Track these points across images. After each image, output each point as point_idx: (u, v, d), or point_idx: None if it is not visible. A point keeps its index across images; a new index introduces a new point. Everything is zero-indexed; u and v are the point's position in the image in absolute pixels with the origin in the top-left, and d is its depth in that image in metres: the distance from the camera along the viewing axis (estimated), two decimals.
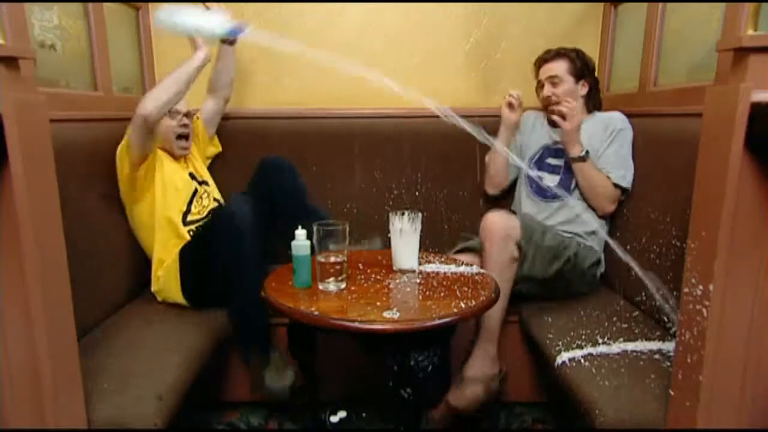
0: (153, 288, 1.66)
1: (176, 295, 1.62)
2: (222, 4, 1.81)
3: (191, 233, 1.68)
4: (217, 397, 1.79)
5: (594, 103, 1.84)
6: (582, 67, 1.78)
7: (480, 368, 1.59)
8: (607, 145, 1.72)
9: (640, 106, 1.78)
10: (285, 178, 1.79)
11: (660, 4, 1.70)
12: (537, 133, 1.90)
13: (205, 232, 1.66)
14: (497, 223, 1.57)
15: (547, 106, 1.82)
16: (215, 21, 1.40)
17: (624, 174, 1.69)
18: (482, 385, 1.58)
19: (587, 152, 1.70)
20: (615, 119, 1.74)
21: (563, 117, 1.69)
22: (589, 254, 1.71)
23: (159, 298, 1.66)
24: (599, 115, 1.81)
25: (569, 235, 1.74)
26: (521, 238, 1.56)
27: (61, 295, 0.97)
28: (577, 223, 1.76)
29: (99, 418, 1.08)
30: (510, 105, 1.83)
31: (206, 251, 1.59)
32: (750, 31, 0.90)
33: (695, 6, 1.58)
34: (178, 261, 1.62)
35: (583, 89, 1.80)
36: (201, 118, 1.93)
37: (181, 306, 1.64)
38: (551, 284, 1.63)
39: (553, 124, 1.83)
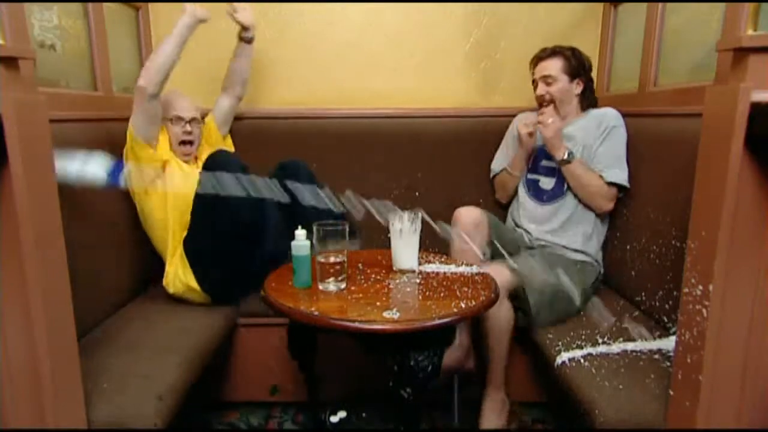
0: (164, 282, 1.66)
1: (187, 285, 1.63)
2: (245, 4, 1.84)
3: None
4: (217, 397, 1.79)
5: (589, 101, 1.83)
6: (577, 66, 1.77)
7: (494, 420, 1.62)
8: (600, 142, 1.72)
9: (639, 106, 1.78)
10: (301, 180, 1.78)
11: (660, 4, 1.70)
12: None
13: (200, 202, 1.63)
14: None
15: (541, 105, 1.82)
16: (95, 166, 1.29)
17: (618, 171, 1.68)
18: None
19: (571, 154, 1.70)
20: (608, 116, 1.74)
21: (544, 125, 1.70)
22: (589, 272, 1.71)
23: (170, 291, 1.66)
24: (593, 112, 1.80)
25: (568, 253, 1.73)
26: (523, 287, 1.56)
27: (61, 295, 0.97)
28: (574, 225, 1.76)
29: (99, 418, 1.08)
30: (530, 133, 1.80)
31: (210, 206, 1.58)
32: (750, 31, 0.90)
33: (695, 6, 1.58)
34: (183, 250, 1.63)
35: (577, 88, 1.79)
36: (214, 117, 1.94)
37: (189, 302, 1.65)
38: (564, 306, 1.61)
39: None
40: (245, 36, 1.88)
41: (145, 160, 1.61)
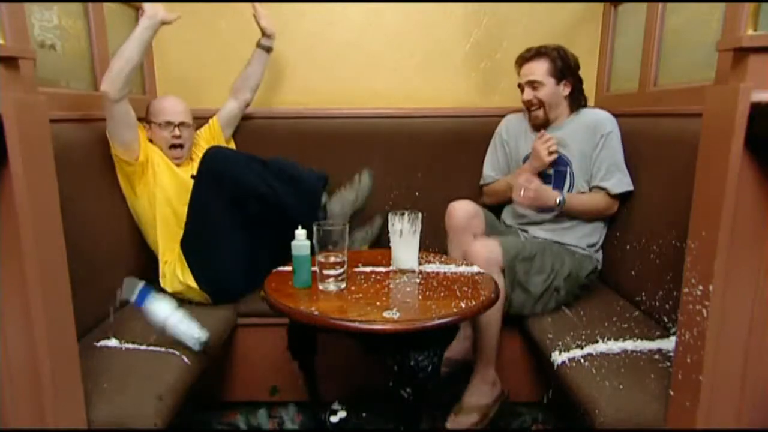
0: (161, 281, 1.66)
1: (185, 284, 1.62)
2: (259, 5, 1.86)
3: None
4: (217, 397, 1.79)
5: (579, 102, 1.79)
6: (563, 67, 1.72)
7: (478, 397, 1.61)
8: (599, 151, 1.69)
9: (639, 106, 1.78)
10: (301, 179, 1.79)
11: (660, 4, 1.70)
12: (523, 141, 1.86)
13: (196, 201, 1.63)
14: (480, 253, 1.55)
15: (529, 109, 1.79)
16: (189, 332, 1.34)
17: (620, 178, 1.67)
18: (478, 413, 1.60)
19: (561, 201, 1.66)
20: (602, 122, 1.71)
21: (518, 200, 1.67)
22: (585, 263, 1.70)
23: (168, 290, 1.65)
24: (585, 113, 1.77)
25: (564, 247, 1.73)
26: (506, 265, 1.56)
27: (61, 295, 0.97)
28: (578, 230, 1.75)
29: (99, 418, 1.08)
30: (551, 152, 1.73)
31: (207, 205, 1.59)
32: (750, 31, 0.90)
33: (695, 6, 1.58)
34: (181, 249, 1.63)
35: (565, 89, 1.75)
36: (219, 119, 1.95)
37: (189, 301, 1.64)
38: (548, 298, 1.61)
39: (536, 129, 1.81)
40: (265, 44, 1.91)
41: (126, 166, 1.62)
